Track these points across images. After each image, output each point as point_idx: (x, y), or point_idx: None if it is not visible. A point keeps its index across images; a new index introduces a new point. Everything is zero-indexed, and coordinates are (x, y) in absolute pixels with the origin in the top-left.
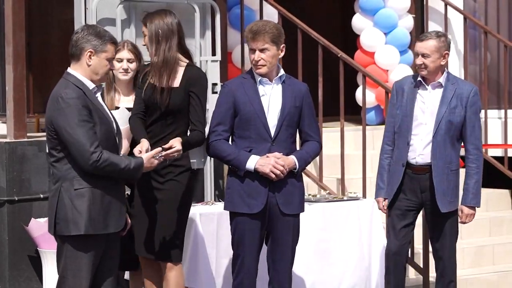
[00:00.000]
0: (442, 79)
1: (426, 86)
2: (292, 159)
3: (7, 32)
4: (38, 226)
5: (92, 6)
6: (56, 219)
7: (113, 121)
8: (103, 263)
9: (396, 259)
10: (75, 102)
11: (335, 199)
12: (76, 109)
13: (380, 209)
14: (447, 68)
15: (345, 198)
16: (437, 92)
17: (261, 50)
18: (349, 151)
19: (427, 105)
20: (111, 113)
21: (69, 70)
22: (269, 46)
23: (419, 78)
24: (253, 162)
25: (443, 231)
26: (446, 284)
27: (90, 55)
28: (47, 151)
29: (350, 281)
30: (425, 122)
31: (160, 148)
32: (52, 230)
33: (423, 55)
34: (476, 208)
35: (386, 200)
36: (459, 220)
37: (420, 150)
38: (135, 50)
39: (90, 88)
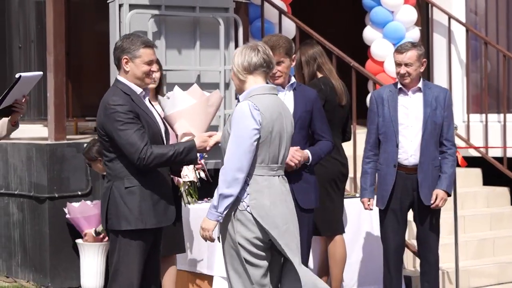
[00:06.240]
0: (420, 84)
1: (407, 92)
2: (307, 153)
3: (49, 43)
4: (74, 209)
5: (126, 19)
6: (108, 215)
7: (161, 124)
8: (151, 254)
9: (396, 256)
10: (121, 108)
11: (348, 196)
12: (123, 114)
13: (366, 208)
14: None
15: (357, 195)
16: (418, 96)
17: (277, 63)
18: (361, 152)
19: (410, 109)
20: (160, 116)
21: (118, 77)
22: (284, 59)
23: (399, 86)
24: None
25: (428, 225)
26: (433, 275)
27: (126, 62)
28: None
29: (361, 274)
30: (411, 124)
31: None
32: (104, 225)
33: (406, 65)
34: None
35: (371, 200)
36: (432, 203)
37: (411, 151)
38: (158, 60)
39: (138, 93)
